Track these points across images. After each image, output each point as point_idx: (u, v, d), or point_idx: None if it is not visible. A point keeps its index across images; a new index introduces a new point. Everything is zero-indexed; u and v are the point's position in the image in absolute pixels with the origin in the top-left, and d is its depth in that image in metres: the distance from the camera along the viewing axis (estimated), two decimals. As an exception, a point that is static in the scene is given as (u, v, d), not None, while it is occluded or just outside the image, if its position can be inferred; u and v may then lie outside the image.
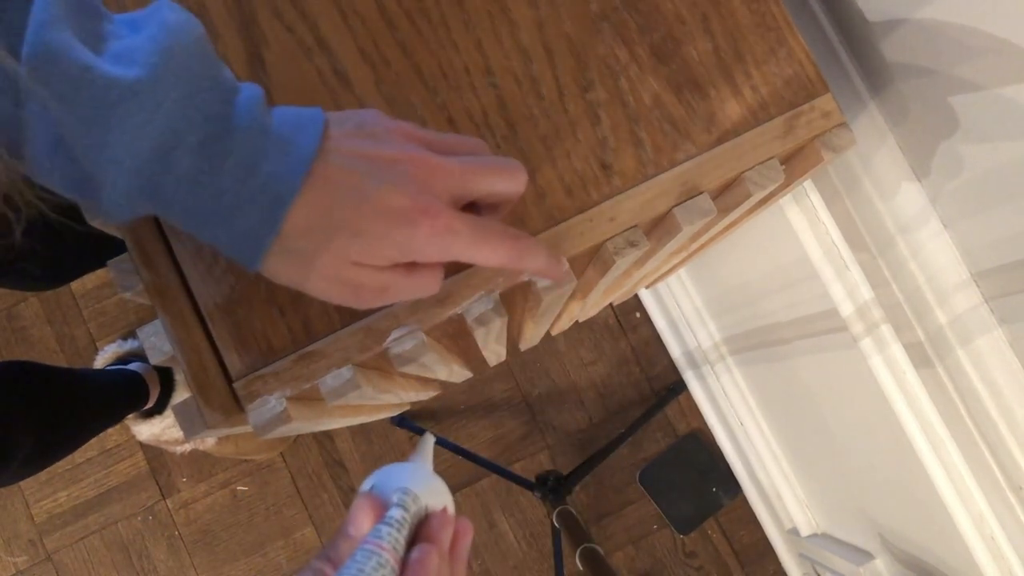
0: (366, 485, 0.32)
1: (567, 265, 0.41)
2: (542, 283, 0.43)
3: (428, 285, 0.35)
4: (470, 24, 0.44)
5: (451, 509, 0.32)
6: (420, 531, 0.31)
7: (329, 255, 0.32)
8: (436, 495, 0.32)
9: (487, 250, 0.34)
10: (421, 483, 0.31)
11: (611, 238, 0.43)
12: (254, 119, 0.31)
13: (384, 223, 0.32)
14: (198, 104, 0.30)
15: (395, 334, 0.42)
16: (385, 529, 0.28)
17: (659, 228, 0.47)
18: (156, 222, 0.43)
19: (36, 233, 0.78)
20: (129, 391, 1.05)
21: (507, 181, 0.35)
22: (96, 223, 0.44)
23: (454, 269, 0.43)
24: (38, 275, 0.88)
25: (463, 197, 0.35)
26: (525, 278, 0.42)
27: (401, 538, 0.29)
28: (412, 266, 0.34)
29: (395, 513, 0.29)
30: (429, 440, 0.39)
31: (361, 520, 0.30)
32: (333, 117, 0.33)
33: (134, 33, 0.31)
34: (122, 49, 0.30)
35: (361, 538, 0.29)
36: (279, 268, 0.33)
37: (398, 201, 0.32)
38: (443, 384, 0.94)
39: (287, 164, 0.31)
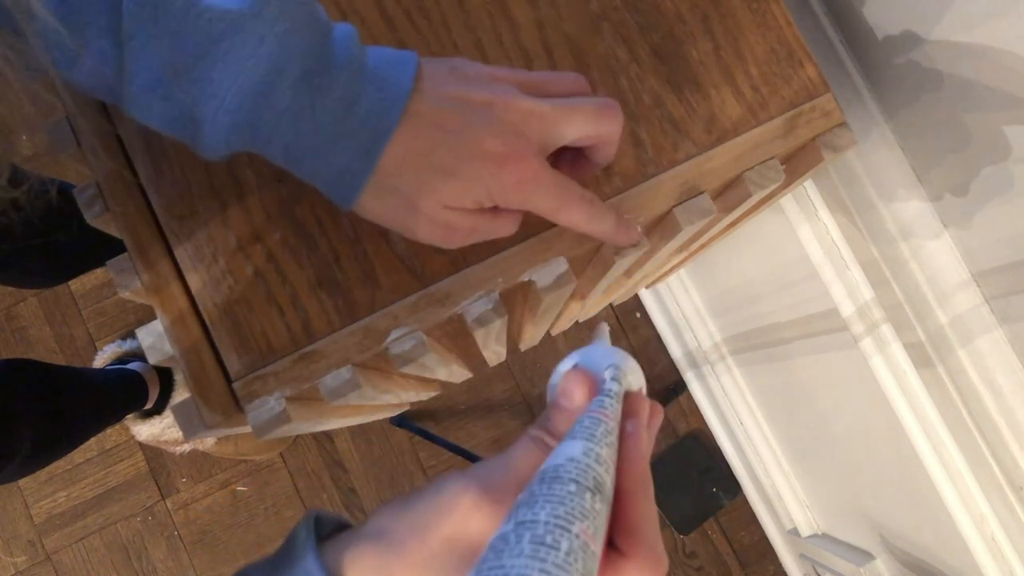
0: (566, 365, 0.33)
1: (639, 229, 0.41)
2: (542, 283, 0.43)
3: (509, 227, 0.36)
4: (470, 24, 0.44)
5: (644, 389, 0.33)
6: (624, 407, 0.31)
7: (423, 196, 0.33)
8: (635, 374, 0.33)
9: (565, 209, 0.35)
10: (623, 362, 0.32)
11: (611, 238, 0.43)
12: (351, 56, 0.31)
13: (478, 166, 0.32)
14: (298, 39, 0.30)
15: (395, 334, 0.42)
16: (607, 400, 0.29)
17: (659, 228, 0.47)
18: (155, 222, 0.43)
19: (35, 230, 0.78)
20: (129, 391, 1.05)
21: (601, 123, 0.35)
22: (95, 221, 0.44)
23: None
24: (37, 272, 0.88)
25: (555, 142, 0.35)
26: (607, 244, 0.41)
27: (619, 409, 0.29)
28: (496, 209, 0.35)
29: (613, 386, 0.30)
30: (606, 329, 0.41)
31: (576, 393, 0.30)
32: (425, 60, 0.34)
33: None
34: None
35: (576, 411, 0.29)
36: (373, 206, 0.34)
37: (492, 145, 0.32)
38: (443, 384, 0.94)
39: (385, 101, 0.31)
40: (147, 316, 1.21)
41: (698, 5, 0.45)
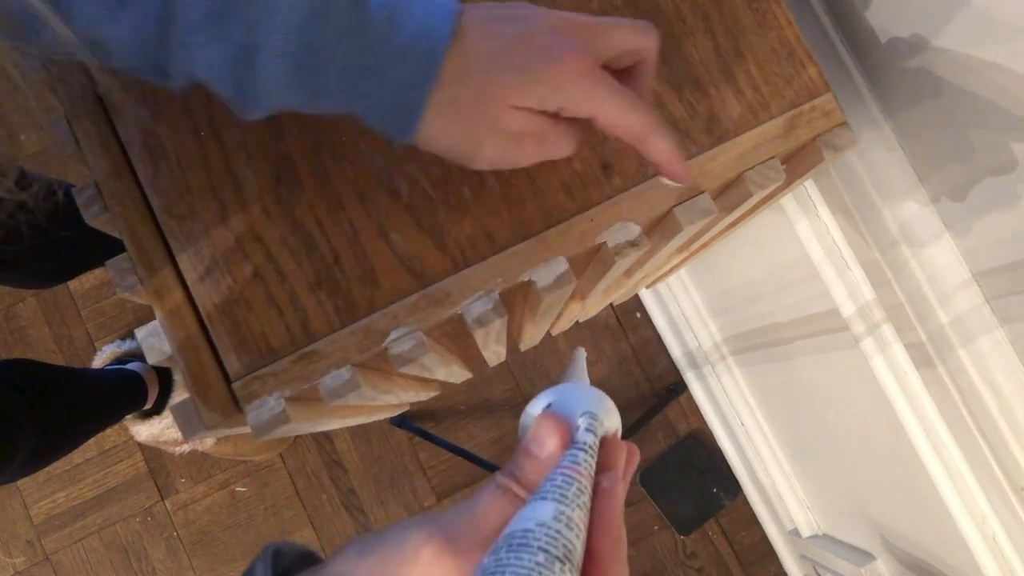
0: (538, 405, 0.31)
1: (689, 168, 0.40)
2: (542, 283, 0.43)
3: (572, 140, 0.36)
4: (470, 23, 0.44)
5: (620, 431, 0.32)
6: (599, 456, 0.29)
7: (487, 98, 0.33)
8: (611, 417, 0.31)
9: (632, 110, 0.34)
10: (599, 406, 0.30)
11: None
12: None
13: (535, 58, 0.32)
14: None
15: (394, 334, 0.42)
16: (582, 455, 0.27)
17: (659, 228, 0.47)
18: (154, 222, 0.43)
19: (42, 232, 0.78)
20: (129, 391, 1.05)
21: (639, 36, 0.35)
22: (94, 221, 0.44)
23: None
24: (36, 272, 0.88)
25: (598, 52, 0.35)
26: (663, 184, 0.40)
27: (593, 464, 0.28)
28: (557, 117, 0.34)
29: (588, 439, 0.28)
30: (583, 355, 0.38)
31: (547, 441, 0.29)
32: None
33: None
34: None
35: (547, 460, 0.28)
36: (437, 127, 0.33)
37: (545, 40, 0.33)
38: (443, 384, 0.94)
39: (436, 15, 0.32)
40: (146, 316, 1.21)
41: (699, 5, 0.45)
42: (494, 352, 0.60)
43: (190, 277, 0.42)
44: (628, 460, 0.31)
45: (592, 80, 0.33)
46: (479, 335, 0.46)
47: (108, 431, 1.20)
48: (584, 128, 0.36)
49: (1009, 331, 0.54)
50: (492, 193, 0.43)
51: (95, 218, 0.43)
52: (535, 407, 0.31)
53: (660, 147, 0.35)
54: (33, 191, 0.37)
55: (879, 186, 0.56)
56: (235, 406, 0.41)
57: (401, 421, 1.19)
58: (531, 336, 0.68)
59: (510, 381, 1.23)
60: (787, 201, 0.63)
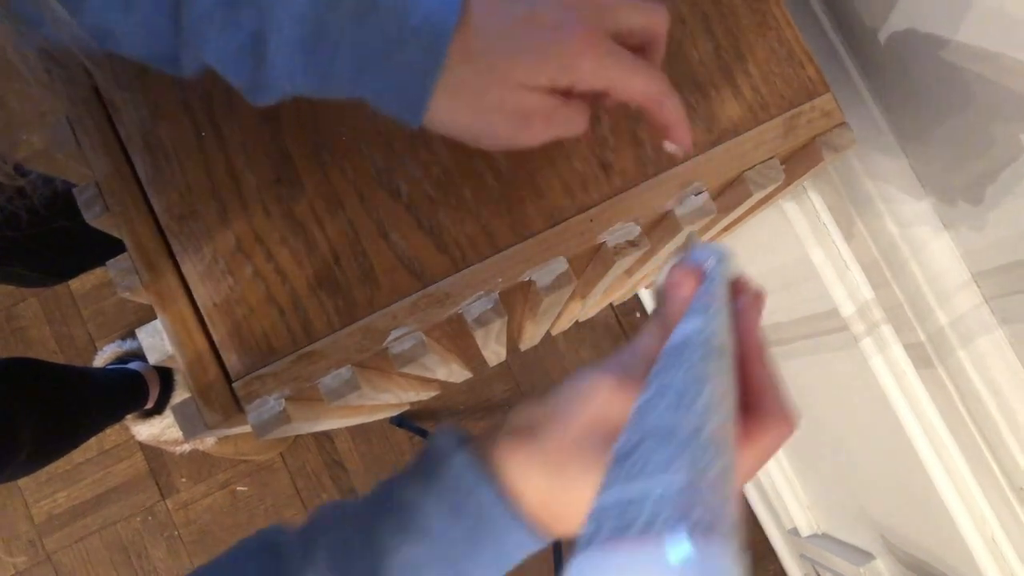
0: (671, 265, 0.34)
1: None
2: (542, 283, 0.43)
3: (582, 118, 0.36)
4: (470, 23, 0.44)
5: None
6: (732, 290, 0.32)
7: (495, 79, 0.33)
8: (734, 260, 0.34)
9: (640, 78, 0.34)
10: (722, 253, 0.33)
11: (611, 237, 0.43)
12: None
13: (542, 36, 0.33)
14: None
15: (394, 334, 0.42)
16: (716, 282, 0.31)
17: (659, 228, 0.47)
18: (155, 222, 0.43)
19: (41, 219, 0.78)
20: (130, 390, 1.05)
21: (649, 15, 0.35)
22: (95, 222, 0.44)
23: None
24: (35, 263, 0.88)
25: (606, 26, 0.34)
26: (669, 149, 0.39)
27: (726, 293, 0.31)
28: (568, 95, 0.34)
29: (718, 270, 0.32)
30: (694, 232, 0.42)
31: (684, 283, 0.32)
32: None
33: None
34: None
35: (686, 299, 0.31)
36: (446, 108, 0.33)
37: (553, 16, 0.33)
38: (443, 384, 0.94)
39: None
40: (147, 316, 1.21)
41: (699, 5, 0.45)
42: (494, 352, 0.61)
43: (191, 277, 0.42)
44: (757, 294, 0.33)
45: (601, 52, 0.33)
46: (479, 335, 0.46)
47: (109, 431, 1.20)
48: (593, 106, 0.36)
49: (1009, 331, 0.54)
50: (492, 193, 0.43)
51: (96, 218, 0.43)
52: (666, 271, 0.34)
53: (673, 111, 0.36)
54: (31, 178, 0.37)
55: (878, 185, 0.56)
56: (236, 406, 0.41)
57: (401, 421, 1.19)
58: (531, 336, 0.68)
59: (510, 381, 1.23)
60: (786, 201, 0.63)
